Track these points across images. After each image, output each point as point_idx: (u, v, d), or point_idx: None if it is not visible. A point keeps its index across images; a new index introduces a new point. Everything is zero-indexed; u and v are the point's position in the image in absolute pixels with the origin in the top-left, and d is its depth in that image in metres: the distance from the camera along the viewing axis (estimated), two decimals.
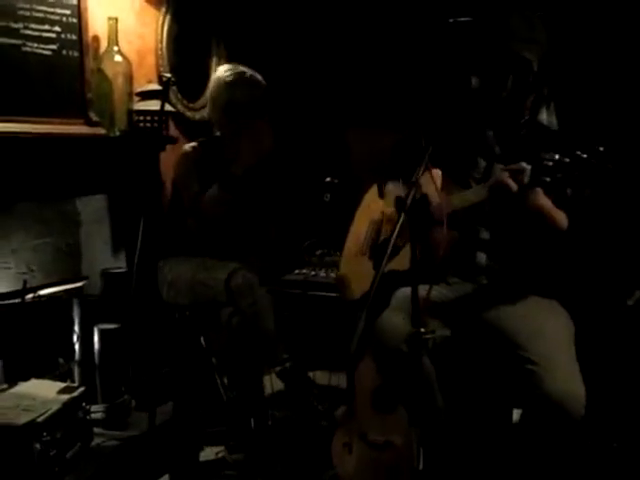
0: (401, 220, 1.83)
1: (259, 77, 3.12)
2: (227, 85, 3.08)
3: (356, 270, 2.63)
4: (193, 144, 3.18)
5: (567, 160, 1.95)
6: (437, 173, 2.30)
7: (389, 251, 1.78)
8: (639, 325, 2.68)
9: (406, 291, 2.03)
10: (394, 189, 2.54)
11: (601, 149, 1.93)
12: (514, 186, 2.08)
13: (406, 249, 1.98)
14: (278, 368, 3.00)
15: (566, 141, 2.27)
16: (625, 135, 2.94)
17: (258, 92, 3.09)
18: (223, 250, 3.12)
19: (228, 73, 3.10)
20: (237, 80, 3.07)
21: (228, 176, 2.97)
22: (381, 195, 2.64)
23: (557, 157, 1.97)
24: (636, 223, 2.90)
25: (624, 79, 3.13)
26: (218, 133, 3.24)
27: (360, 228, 2.72)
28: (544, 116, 2.36)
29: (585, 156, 1.93)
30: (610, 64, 3.16)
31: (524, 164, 2.07)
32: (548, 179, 1.99)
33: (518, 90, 2.32)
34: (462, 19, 2.26)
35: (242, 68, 3.11)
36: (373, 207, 2.70)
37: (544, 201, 2.15)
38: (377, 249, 2.57)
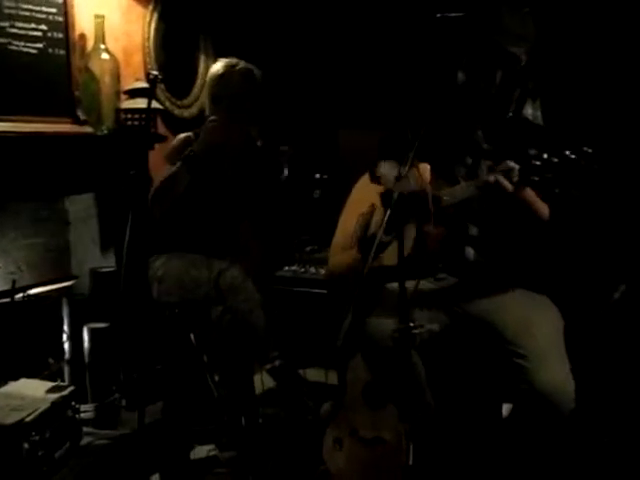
0: (387, 216, 1.83)
1: (253, 71, 3.11)
2: (216, 76, 3.08)
3: (345, 264, 2.62)
4: (186, 134, 3.17)
5: (555, 160, 1.96)
6: (425, 167, 2.30)
7: (374, 249, 1.78)
8: (625, 319, 2.68)
9: (395, 287, 2.03)
10: (388, 169, 2.54)
11: (589, 150, 1.93)
12: (509, 186, 2.08)
13: (394, 244, 1.97)
14: (268, 365, 2.99)
15: (550, 136, 2.28)
16: (610, 131, 2.95)
17: (246, 84, 3.08)
18: (213, 247, 3.11)
19: (220, 65, 3.10)
20: (226, 72, 3.07)
21: (189, 155, 2.95)
22: (373, 179, 2.63)
23: (545, 156, 1.97)
24: (621, 218, 2.91)
25: (612, 75, 3.13)
26: None
27: (348, 221, 2.70)
28: (529, 111, 2.37)
29: (574, 157, 1.93)
30: (598, 60, 3.16)
31: (512, 163, 2.07)
32: (537, 178, 2.00)
33: (505, 85, 2.32)
34: (450, 14, 2.26)
35: (235, 60, 3.11)
36: (362, 199, 2.68)
37: (528, 193, 2.16)
38: (365, 243, 2.56)
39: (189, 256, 3.08)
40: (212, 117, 3.04)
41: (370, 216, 2.59)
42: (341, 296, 2.57)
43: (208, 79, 3.15)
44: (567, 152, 1.95)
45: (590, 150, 1.93)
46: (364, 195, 2.66)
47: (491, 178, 2.12)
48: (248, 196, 3.24)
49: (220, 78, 3.08)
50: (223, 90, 3.07)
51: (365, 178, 2.70)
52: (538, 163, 1.99)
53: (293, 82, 4.17)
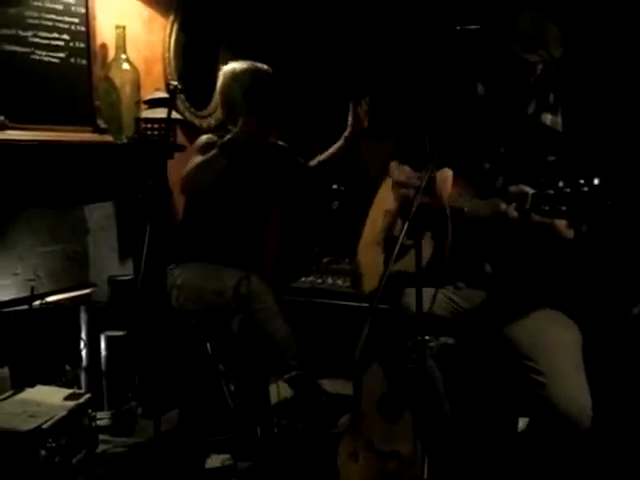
0: (406, 226, 1.83)
1: (266, 67, 3.16)
2: (246, 71, 3.12)
3: (370, 261, 2.60)
4: (209, 135, 3.17)
5: (568, 190, 1.92)
6: (447, 174, 2.30)
7: (393, 258, 1.78)
8: None
9: (413, 294, 2.02)
10: (398, 170, 2.55)
11: (600, 183, 1.90)
12: (516, 216, 2.06)
13: (414, 251, 1.97)
14: (286, 375, 2.99)
15: (569, 142, 2.27)
16: (633, 143, 2.94)
17: (272, 79, 3.13)
18: (233, 257, 3.12)
19: (241, 63, 3.15)
20: (254, 67, 3.12)
21: (229, 140, 2.94)
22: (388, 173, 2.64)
23: (560, 184, 1.94)
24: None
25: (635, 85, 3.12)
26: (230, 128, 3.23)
27: (376, 215, 2.69)
28: (549, 116, 2.35)
29: (586, 190, 1.90)
30: (621, 72, 3.15)
31: (526, 188, 2.04)
32: (547, 208, 1.97)
33: (523, 92, 2.32)
34: (469, 27, 2.27)
35: (252, 62, 3.16)
36: (389, 195, 2.67)
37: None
38: (389, 243, 2.54)
39: (209, 265, 3.09)
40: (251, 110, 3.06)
41: (396, 214, 2.58)
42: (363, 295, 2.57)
43: (234, 76, 3.13)
44: (581, 182, 1.91)
45: (602, 183, 1.90)
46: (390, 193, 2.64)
47: (502, 206, 2.09)
48: (268, 199, 3.25)
49: (252, 73, 3.11)
50: (257, 83, 3.09)
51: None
52: (551, 192, 1.96)
53: (312, 92, 4.18)
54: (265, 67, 3.15)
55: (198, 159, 2.97)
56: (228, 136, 2.95)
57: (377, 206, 2.73)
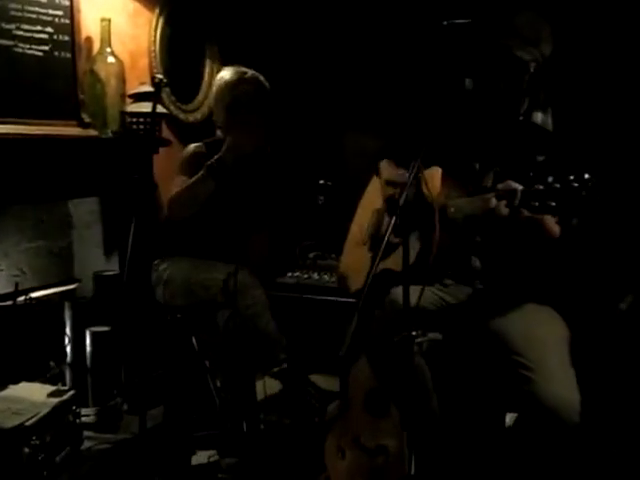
0: (392, 223, 1.82)
1: (261, 77, 3.15)
2: (229, 84, 3.09)
3: (357, 260, 2.60)
4: (197, 144, 3.17)
5: (558, 186, 1.93)
6: (437, 172, 2.29)
7: (380, 254, 1.77)
8: (632, 329, 2.67)
9: (400, 291, 2.02)
10: (388, 169, 2.54)
11: (590, 178, 1.90)
12: (506, 212, 2.06)
13: (401, 248, 1.96)
14: (275, 369, 2.99)
15: (559, 142, 2.27)
16: (622, 142, 2.94)
17: (260, 90, 3.11)
18: (222, 252, 3.11)
19: (230, 73, 3.12)
20: (239, 79, 3.09)
21: (216, 162, 2.95)
22: (377, 173, 2.64)
23: (550, 180, 1.94)
24: (629, 229, 2.89)
25: (625, 85, 3.12)
26: (219, 133, 3.23)
27: (363, 216, 2.69)
28: (539, 116, 2.35)
29: (576, 185, 1.90)
30: (611, 71, 3.16)
31: (515, 184, 2.04)
32: (537, 204, 1.97)
33: (513, 91, 2.31)
34: (457, 21, 2.25)
35: (244, 69, 3.15)
36: (377, 195, 2.67)
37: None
38: (376, 242, 2.54)
39: (197, 260, 3.08)
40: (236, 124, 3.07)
41: (384, 212, 2.58)
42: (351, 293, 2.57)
43: (220, 88, 3.14)
44: (571, 177, 1.92)
45: (591, 179, 1.90)
46: (379, 190, 2.64)
47: (492, 202, 2.09)
48: (262, 202, 3.24)
49: (234, 86, 3.09)
50: (238, 98, 3.08)
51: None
52: (541, 187, 1.96)
53: (298, 87, 4.16)
54: (252, 77, 3.13)
55: (184, 182, 3.00)
56: (215, 157, 2.96)
57: (364, 206, 2.73)
